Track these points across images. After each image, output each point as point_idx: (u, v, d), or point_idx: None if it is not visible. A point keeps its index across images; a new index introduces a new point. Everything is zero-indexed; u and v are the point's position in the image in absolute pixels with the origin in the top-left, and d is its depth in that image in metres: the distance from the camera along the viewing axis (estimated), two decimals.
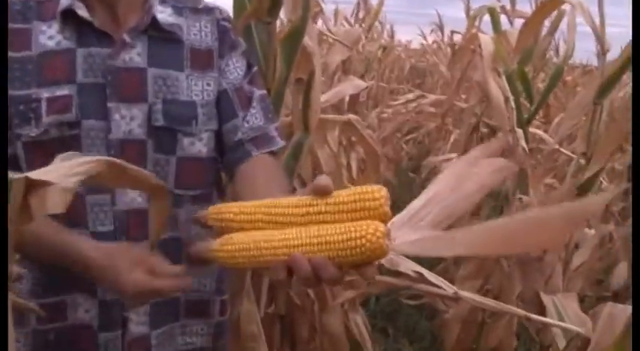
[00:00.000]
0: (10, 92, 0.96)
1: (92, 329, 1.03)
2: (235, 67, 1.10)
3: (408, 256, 1.60)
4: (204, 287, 1.14)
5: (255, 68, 1.16)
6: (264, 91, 1.16)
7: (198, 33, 1.07)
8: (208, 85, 1.06)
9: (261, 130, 1.09)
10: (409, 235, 0.75)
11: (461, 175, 0.78)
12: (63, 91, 0.98)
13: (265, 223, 0.76)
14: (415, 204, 0.80)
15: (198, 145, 1.05)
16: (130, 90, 1.00)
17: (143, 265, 0.87)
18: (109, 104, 0.99)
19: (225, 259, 0.77)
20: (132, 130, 1.01)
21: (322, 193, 0.73)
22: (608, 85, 1.62)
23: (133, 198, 1.01)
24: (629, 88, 3.02)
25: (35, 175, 0.54)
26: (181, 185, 1.05)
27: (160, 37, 1.03)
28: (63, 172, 0.57)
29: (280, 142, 1.13)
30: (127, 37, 1.00)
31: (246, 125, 1.08)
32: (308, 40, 1.47)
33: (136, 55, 1.01)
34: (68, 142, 0.97)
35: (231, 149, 1.08)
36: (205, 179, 1.10)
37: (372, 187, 0.73)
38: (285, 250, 0.72)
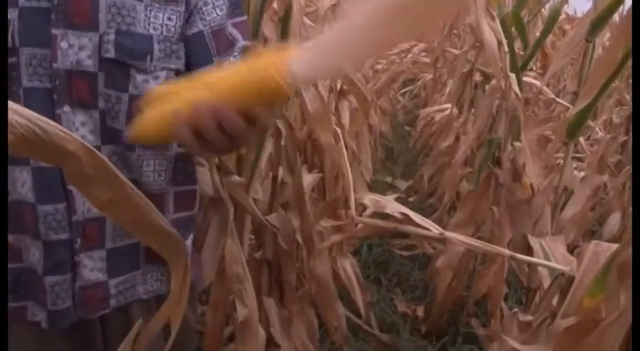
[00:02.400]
0: None
1: (38, 272, 0.98)
2: (214, 6, 1.01)
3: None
4: (158, 176, 1.04)
5: (243, 14, 1.06)
6: (249, 43, 1.06)
7: None
8: (170, 19, 0.97)
9: None
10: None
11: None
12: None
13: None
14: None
15: (152, 83, 0.97)
16: (79, 16, 0.92)
17: None
18: (54, 31, 0.91)
19: (140, 133, 0.80)
20: (80, 61, 0.92)
21: None
22: (600, 21, 1.56)
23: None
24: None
25: None
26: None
27: None
28: None
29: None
30: None
31: None
32: None
33: None
34: (6, 70, 0.89)
35: None
36: None
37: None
38: (185, 105, 0.74)
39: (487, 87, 2.91)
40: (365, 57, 0.78)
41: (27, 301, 1.00)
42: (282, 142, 1.78)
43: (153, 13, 0.96)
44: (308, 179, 1.90)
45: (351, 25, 0.65)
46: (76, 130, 0.94)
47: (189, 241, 1.16)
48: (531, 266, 1.69)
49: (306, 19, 2.54)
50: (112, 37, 0.93)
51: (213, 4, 1.01)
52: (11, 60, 0.91)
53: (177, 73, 1.00)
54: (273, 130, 1.64)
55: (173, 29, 0.98)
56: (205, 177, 1.45)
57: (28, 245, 0.98)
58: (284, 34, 1.42)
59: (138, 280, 1.07)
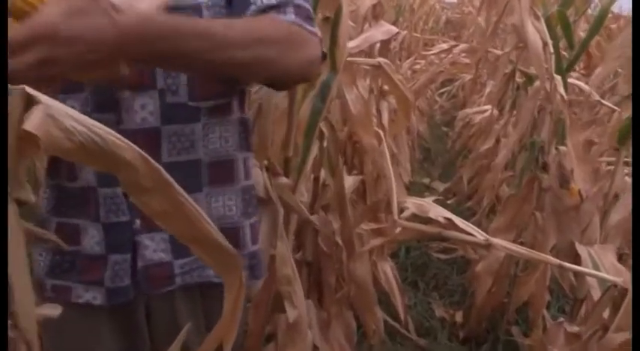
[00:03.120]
0: None
1: (95, 253, 1.00)
2: None
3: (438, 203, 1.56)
4: (229, 211, 1.06)
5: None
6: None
7: None
8: None
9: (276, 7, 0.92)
10: None
11: None
12: None
13: None
14: None
15: None
16: None
17: None
18: None
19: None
20: None
21: None
22: None
23: None
24: None
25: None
26: (195, 96, 0.97)
27: None
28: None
29: (292, 18, 0.92)
30: None
31: (260, 3, 0.92)
32: None
33: None
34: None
35: None
36: (220, 88, 1.01)
37: None
38: None
39: (530, 88, 2.85)
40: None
41: (72, 283, 1.02)
42: (325, 144, 1.77)
43: None
44: (349, 181, 1.89)
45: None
46: (135, 113, 0.94)
47: None
48: (578, 275, 1.65)
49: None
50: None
51: None
52: None
53: None
54: (317, 131, 1.63)
55: None
56: (257, 177, 1.45)
57: (87, 229, 1.00)
58: (334, 36, 1.40)
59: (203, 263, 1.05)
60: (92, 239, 1.00)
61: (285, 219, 1.46)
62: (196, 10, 0.94)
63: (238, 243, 1.07)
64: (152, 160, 0.58)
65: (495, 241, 1.26)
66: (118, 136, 0.55)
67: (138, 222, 0.99)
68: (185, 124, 0.98)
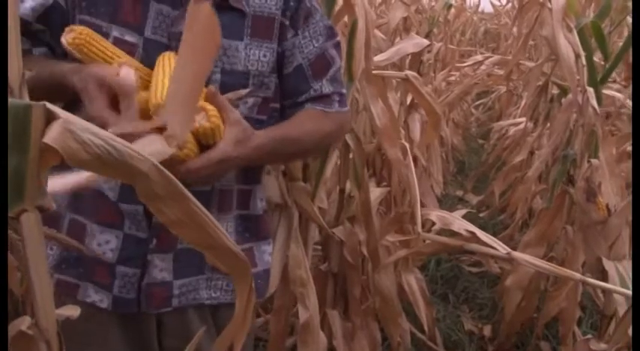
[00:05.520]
0: (82, 16, 0.98)
1: (107, 259, 1.04)
2: (312, 37, 1.10)
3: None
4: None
5: (337, 34, 1.16)
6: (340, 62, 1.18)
7: None
8: (264, 56, 1.05)
9: (326, 97, 1.13)
10: None
11: None
12: (132, 37, 0.99)
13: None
14: None
15: (242, 108, 1.05)
16: None
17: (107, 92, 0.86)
18: None
19: (73, 42, 0.89)
20: None
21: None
22: None
23: None
24: None
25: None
26: None
27: (225, 6, 1.02)
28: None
29: (336, 107, 1.14)
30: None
31: (313, 93, 1.12)
32: None
33: None
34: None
35: (289, 106, 1.13)
36: None
37: None
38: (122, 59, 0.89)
39: (563, 100, 2.81)
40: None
41: (81, 281, 1.07)
42: (350, 155, 1.79)
43: (252, 51, 1.04)
44: (376, 193, 1.90)
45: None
46: None
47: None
48: (606, 291, 1.62)
49: (377, 32, 2.55)
50: (217, 76, 1.01)
51: (310, 36, 1.10)
52: None
53: (265, 99, 1.09)
54: (342, 143, 1.66)
55: (266, 65, 1.06)
56: (272, 184, 1.48)
57: (103, 232, 1.04)
58: (350, 48, 1.44)
59: (202, 285, 1.11)
60: (107, 244, 1.04)
61: (304, 224, 1.48)
62: (245, 75, 1.04)
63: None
64: (166, 171, 0.61)
65: (517, 255, 1.26)
66: (134, 147, 0.58)
67: (154, 241, 1.04)
68: None
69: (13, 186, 0.56)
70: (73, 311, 0.66)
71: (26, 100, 0.54)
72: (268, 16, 1.05)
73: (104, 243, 1.05)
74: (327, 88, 1.13)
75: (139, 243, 1.04)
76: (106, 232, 1.04)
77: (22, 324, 0.60)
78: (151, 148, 0.74)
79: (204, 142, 0.90)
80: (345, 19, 1.79)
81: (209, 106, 0.89)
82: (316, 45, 1.10)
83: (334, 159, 1.64)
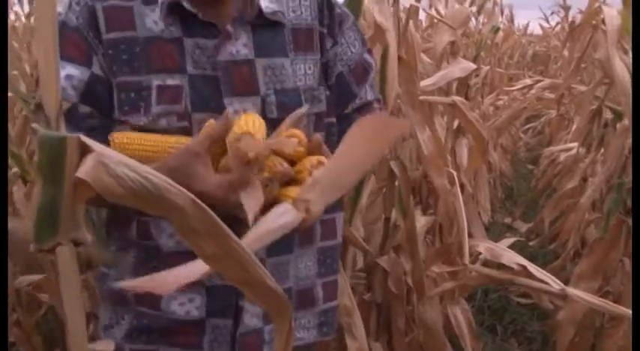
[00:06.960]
0: (120, 78, 0.94)
1: (195, 318, 0.99)
2: (348, 44, 1.09)
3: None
4: (307, 271, 1.08)
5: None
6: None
7: (297, 8, 1.03)
8: (310, 68, 1.03)
9: (369, 105, 1.14)
10: None
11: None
12: (174, 80, 0.95)
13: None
14: None
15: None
16: (242, 83, 0.97)
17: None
18: (226, 99, 0.97)
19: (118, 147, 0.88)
20: None
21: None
22: None
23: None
24: None
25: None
26: None
27: (262, 24, 1.00)
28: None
29: (378, 112, 1.15)
30: (230, 28, 0.96)
31: (358, 102, 1.12)
32: (379, 17, 1.44)
33: (242, 47, 0.98)
34: (177, 133, 0.93)
35: (338, 118, 1.11)
36: None
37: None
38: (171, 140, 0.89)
39: (618, 126, 2.71)
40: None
41: (159, 345, 1.01)
42: (396, 183, 1.75)
43: (298, 66, 1.02)
44: (422, 222, 1.85)
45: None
46: None
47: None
48: None
49: (424, 56, 2.52)
50: (273, 98, 0.99)
51: (347, 42, 1.09)
52: (182, 124, 0.96)
53: (319, 115, 1.05)
54: (387, 171, 1.62)
55: (312, 78, 1.04)
56: None
57: (181, 293, 0.99)
58: (383, 75, 1.42)
59: None
60: (190, 303, 0.99)
61: (343, 252, 1.45)
62: (296, 92, 1.01)
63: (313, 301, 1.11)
64: (203, 205, 0.59)
65: (572, 291, 1.19)
66: (171, 181, 0.56)
67: None
68: None
69: (47, 219, 0.55)
70: (106, 346, 0.64)
71: (62, 131, 0.53)
72: (307, 27, 1.03)
73: (187, 302, 0.99)
74: (370, 94, 1.13)
75: (229, 290, 0.98)
76: (188, 291, 0.99)
77: None
78: (284, 219, 0.71)
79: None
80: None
81: (297, 131, 0.90)
82: (354, 51, 1.09)
83: (369, 187, 1.60)
